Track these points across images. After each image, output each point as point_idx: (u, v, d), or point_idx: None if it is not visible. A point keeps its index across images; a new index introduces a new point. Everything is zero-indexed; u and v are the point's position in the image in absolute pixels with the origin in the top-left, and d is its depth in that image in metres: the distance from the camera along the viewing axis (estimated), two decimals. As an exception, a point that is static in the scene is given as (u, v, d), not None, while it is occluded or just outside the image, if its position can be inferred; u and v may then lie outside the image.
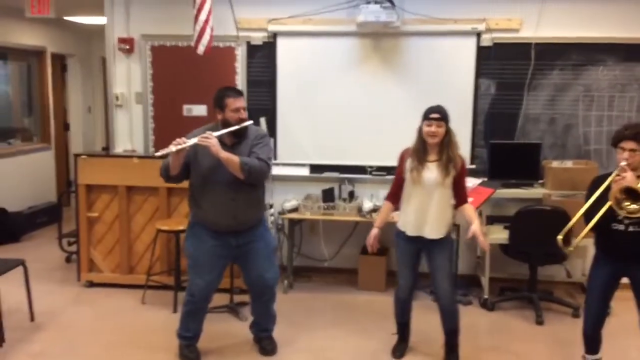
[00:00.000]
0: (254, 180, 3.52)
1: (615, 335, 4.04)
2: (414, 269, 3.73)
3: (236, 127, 3.50)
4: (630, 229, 3.16)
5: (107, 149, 5.66)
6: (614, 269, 3.30)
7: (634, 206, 2.99)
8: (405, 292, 3.76)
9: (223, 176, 3.48)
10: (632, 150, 3.11)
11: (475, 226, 3.42)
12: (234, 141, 3.56)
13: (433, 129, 3.46)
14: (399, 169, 3.66)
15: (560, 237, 3.21)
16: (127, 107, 5.49)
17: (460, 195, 3.59)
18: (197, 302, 3.68)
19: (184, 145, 3.39)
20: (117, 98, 5.47)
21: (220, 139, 3.46)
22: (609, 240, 3.27)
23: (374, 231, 3.67)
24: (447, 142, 3.50)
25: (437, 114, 3.47)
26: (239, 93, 3.63)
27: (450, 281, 3.61)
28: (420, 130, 3.55)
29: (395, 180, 3.70)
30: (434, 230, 3.54)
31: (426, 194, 3.53)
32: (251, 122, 3.59)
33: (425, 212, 3.54)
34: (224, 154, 3.41)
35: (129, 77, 5.46)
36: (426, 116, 3.50)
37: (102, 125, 8.23)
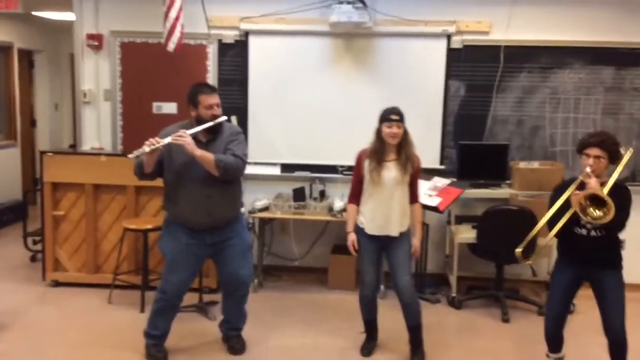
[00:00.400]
0: (229, 177, 3.51)
1: (578, 333, 4.13)
2: (377, 266, 3.78)
3: (210, 124, 3.48)
4: (592, 233, 3.22)
5: (74, 146, 5.57)
6: (576, 273, 3.36)
7: (597, 212, 3.05)
8: (370, 289, 3.79)
9: (197, 173, 3.46)
10: (596, 157, 3.17)
11: (416, 241, 3.72)
12: (209, 138, 3.54)
13: (394, 130, 3.53)
14: (357, 171, 3.72)
15: (519, 249, 3.26)
16: (95, 104, 5.41)
17: (412, 193, 3.71)
18: (169, 299, 3.65)
19: (157, 146, 3.36)
20: (85, 95, 5.38)
21: (194, 136, 3.44)
22: (571, 244, 3.33)
23: (351, 236, 3.73)
24: (404, 142, 3.60)
25: (397, 116, 3.55)
26: (212, 89, 3.61)
27: (410, 275, 3.66)
28: (378, 132, 3.62)
29: (355, 182, 3.76)
30: (397, 227, 3.64)
31: (387, 193, 3.60)
32: (225, 118, 3.57)
33: (388, 211, 3.62)
34: (199, 152, 3.38)
35: (98, 74, 5.38)
36: (386, 118, 3.57)
37: (70, 123, 8.08)
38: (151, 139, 3.37)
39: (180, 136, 3.36)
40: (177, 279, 3.61)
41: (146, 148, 3.34)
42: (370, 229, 3.67)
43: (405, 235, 3.68)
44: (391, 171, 3.59)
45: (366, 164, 3.63)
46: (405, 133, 3.60)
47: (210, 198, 3.51)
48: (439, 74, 5.06)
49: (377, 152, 3.61)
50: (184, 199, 3.53)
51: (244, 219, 5.09)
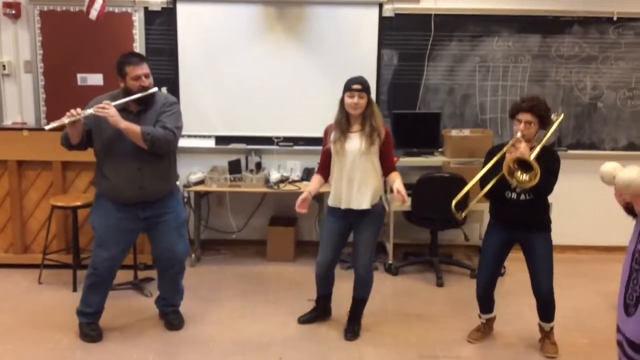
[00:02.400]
0: (158, 150, 3.39)
1: (508, 294, 4.31)
2: (338, 246, 3.69)
3: (137, 95, 3.36)
4: (522, 197, 3.34)
5: (-6, 121, 5.29)
6: (507, 235, 3.48)
7: (524, 176, 3.15)
8: (324, 268, 3.74)
9: (126, 145, 3.35)
10: (527, 122, 3.26)
11: (398, 184, 3.41)
12: (139, 109, 3.43)
13: (355, 100, 3.43)
14: (324, 142, 3.63)
15: (453, 203, 3.32)
16: (15, 76, 5.13)
17: (387, 164, 3.58)
18: (100, 275, 3.55)
19: (77, 117, 3.22)
20: (4, 67, 5.09)
21: (125, 106, 3.32)
22: (502, 207, 3.44)
23: (305, 193, 3.51)
24: (369, 112, 3.48)
25: (359, 85, 3.44)
26: (141, 59, 3.45)
27: (371, 254, 3.64)
28: (342, 102, 3.51)
29: (322, 154, 3.67)
30: (360, 201, 3.51)
31: (350, 165, 3.49)
32: (155, 89, 3.45)
33: (351, 183, 3.51)
34: (124, 124, 3.27)
35: (17, 45, 5.08)
36: (348, 87, 3.46)
37: (-10, 97, 7.65)
38: (72, 110, 3.23)
39: (104, 108, 3.23)
40: (108, 254, 3.50)
41: (65, 119, 3.20)
42: (333, 201, 3.59)
43: (374, 214, 3.56)
44: (355, 142, 3.47)
45: (332, 135, 3.54)
46: (370, 103, 3.49)
47: (141, 171, 3.41)
48: (372, 43, 5.05)
49: (341, 122, 3.51)
50: (114, 172, 3.42)
51: (180, 193, 5.04)
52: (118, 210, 3.48)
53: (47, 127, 3.27)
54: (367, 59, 5.07)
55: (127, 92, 3.39)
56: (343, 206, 3.55)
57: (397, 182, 3.45)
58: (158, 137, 3.34)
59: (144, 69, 3.42)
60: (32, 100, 5.12)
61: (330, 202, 3.63)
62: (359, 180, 3.50)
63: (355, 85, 3.44)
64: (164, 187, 3.57)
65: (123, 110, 3.33)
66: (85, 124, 3.38)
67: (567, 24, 5.08)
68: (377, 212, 3.58)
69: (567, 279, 4.58)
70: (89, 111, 3.25)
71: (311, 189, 3.61)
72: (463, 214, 3.34)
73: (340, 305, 3.93)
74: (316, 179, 3.69)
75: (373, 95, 5.00)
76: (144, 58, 3.51)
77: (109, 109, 3.24)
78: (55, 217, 4.58)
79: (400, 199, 3.36)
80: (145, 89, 3.39)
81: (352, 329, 3.74)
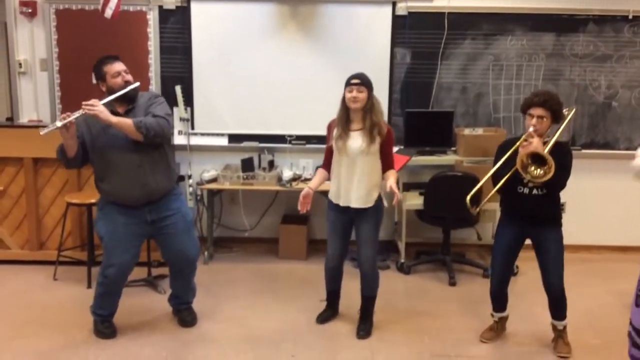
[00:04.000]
0: (154, 139, 3.34)
1: (521, 293, 4.30)
2: (343, 239, 3.72)
3: (123, 91, 3.36)
4: (534, 192, 3.33)
5: (11, 119, 5.33)
6: (518, 230, 3.47)
7: (538, 171, 3.14)
8: (333, 262, 3.78)
9: (121, 143, 3.35)
10: (540, 116, 3.24)
11: (392, 182, 3.42)
12: (127, 107, 3.44)
13: (354, 94, 3.45)
14: (327, 139, 3.65)
15: (468, 197, 3.33)
16: (31, 74, 5.18)
17: (386, 162, 3.59)
18: (111, 284, 3.56)
19: (69, 119, 3.21)
20: (20, 65, 5.15)
21: (111, 109, 3.32)
22: (514, 202, 3.44)
23: (306, 190, 3.55)
24: (369, 108, 3.49)
25: (357, 79, 3.47)
26: (115, 58, 3.46)
27: (373, 250, 3.65)
28: (343, 99, 3.54)
29: (326, 151, 3.70)
30: (359, 199, 3.54)
31: (351, 163, 3.52)
32: (138, 83, 3.46)
33: (350, 181, 3.54)
34: (115, 119, 3.26)
35: (33, 43, 5.14)
36: (347, 83, 3.51)
37: (6, 94, 7.70)
38: (63, 114, 3.24)
39: (92, 105, 3.21)
40: (118, 262, 3.49)
41: (58, 123, 3.20)
42: (333, 197, 3.64)
43: (374, 209, 3.58)
44: (356, 140, 3.50)
45: (334, 132, 3.57)
46: (370, 99, 3.50)
47: (142, 167, 3.41)
48: (385, 42, 5.05)
49: (342, 119, 3.54)
50: (115, 174, 3.41)
51: (193, 191, 5.08)
52: (124, 215, 3.48)
53: (41, 132, 3.25)
54: (380, 57, 5.07)
55: (110, 92, 3.38)
56: (342, 203, 3.59)
57: (391, 179, 3.47)
58: (151, 124, 3.30)
59: (121, 65, 3.44)
60: (48, 98, 5.17)
61: (330, 196, 3.67)
62: (359, 178, 3.53)
63: (354, 79, 3.48)
64: (167, 184, 3.55)
65: (111, 112, 3.30)
66: (78, 136, 3.36)
67: (582, 22, 5.04)
68: (375, 208, 3.60)
69: (580, 278, 4.56)
70: (79, 112, 3.23)
71: (313, 185, 3.63)
72: (477, 209, 3.35)
73: (352, 304, 3.93)
74: (320, 173, 3.73)
75: (386, 94, 5.10)
76: (117, 57, 3.49)
77: (97, 106, 3.21)
78: (70, 214, 4.63)
79: (394, 199, 3.38)
80: (127, 84, 3.40)
81: (364, 327, 3.75)
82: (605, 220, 5.27)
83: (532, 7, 5.01)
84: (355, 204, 3.55)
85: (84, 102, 3.23)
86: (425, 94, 5.15)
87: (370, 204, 3.56)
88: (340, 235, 3.71)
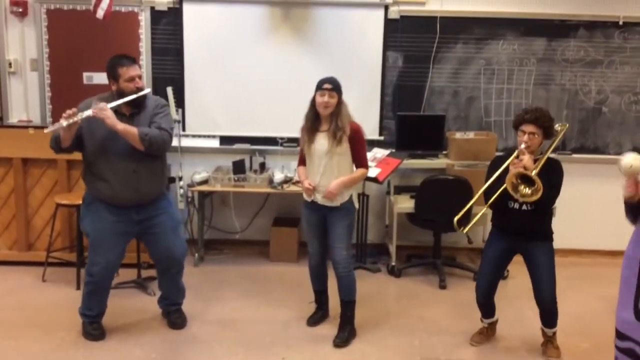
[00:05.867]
0: (155, 151, 3.40)
1: (511, 297, 4.31)
2: (320, 237, 3.75)
3: (132, 97, 3.36)
4: (524, 207, 3.34)
5: (0, 119, 5.29)
6: (508, 245, 3.48)
7: (527, 190, 3.16)
8: (314, 259, 3.81)
9: (121, 147, 3.35)
10: (531, 133, 3.26)
11: (337, 181, 3.49)
12: (133, 111, 3.43)
13: (325, 99, 3.47)
14: (301, 141, 3.70)
15: (455, 219, 3.36)
16: (21, 74, 5.15)
17: (357, 162, 3.63)
18: (98, 282, 3.54)
19: (75, 119, 3.21)
20: (10, 65, 5.11)
21: (117, 109, 3.32)
22: (504, 217, 3.44)
23: (307, 184, 3.60)
24: (337, 112, 3.51)
25: (329, 84, 3.48)
26: (132, 61, 3.46)
27: (346, 251, 3.64)
28: (312, 101, 3.56)
29: (300, 152, 3.75)
30: (327, 199, 3.58)
31: (318, 163, 3.57)
32: (148, 90, 3.47)
33: (320, 181, 3.58)
34: (121, 126, 3.26)
35: (24, 43, 5.10)
36: (319, 86, 3.51)
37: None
38: (68, 111, 3.22)
39: (102, 110, 3.22)
40: (104, 260, 3.48)
41: (63, 122, 3.19)
42: (305, 195, 3.69)
43: (345, 210, 3.61)
44: (321, 142, 3.54)
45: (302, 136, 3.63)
46: (340, 104, 3.53)
47: (137, 173, 3.41)
48: (377, 45, 5.06)
49: (310, 121, 3.58)
50: (110, 175, 3.40)
51: (184, 192, 5.06)
52: (112, 214, 3.47)
53: (46, 131, 3.28)
54: (372, 60, 5.08)
55: (120, 94, 3.38)
56: (312, 199, 3.64)
57: (340, 178, 3.51)
58: (155, 137, 3.34)
59: (137, 70, 3.44)
60: (38, 99, 5.14)
61: (304, 195, 3.70)
62: (325, 179, 3.55)
63: (326, 84, 3.49)
64: (158, 189, 3.58)
65: (116, 113, 3.31)
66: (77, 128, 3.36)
67: (573, 27, 5.07)
68: (346, 209, 3.62)
69: (570, 282, 4.58)
70: (87, 113, 3.23)
71: (304, 178, 3.69)
72: (465, 230, 3.37)
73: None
74: (301, 168, 3.77)
75: (378, 97, 5.12)
76: (135, 59, 3.51)
77: (106, 111, 3.23)
78: (59, 215, 4.60)
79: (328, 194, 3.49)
80: (138, 90, 3.40)
81: (342, 336, 3.67)
82: (596, 225, 5.30)
83: (524, 12, 5.04)
84: (322, 201, 3.59)
85: (93, 105, 3.24)
86: (417, 97, 5.17)
87: (337, 203, 3.58)
88: (315, 232, 3.74)
